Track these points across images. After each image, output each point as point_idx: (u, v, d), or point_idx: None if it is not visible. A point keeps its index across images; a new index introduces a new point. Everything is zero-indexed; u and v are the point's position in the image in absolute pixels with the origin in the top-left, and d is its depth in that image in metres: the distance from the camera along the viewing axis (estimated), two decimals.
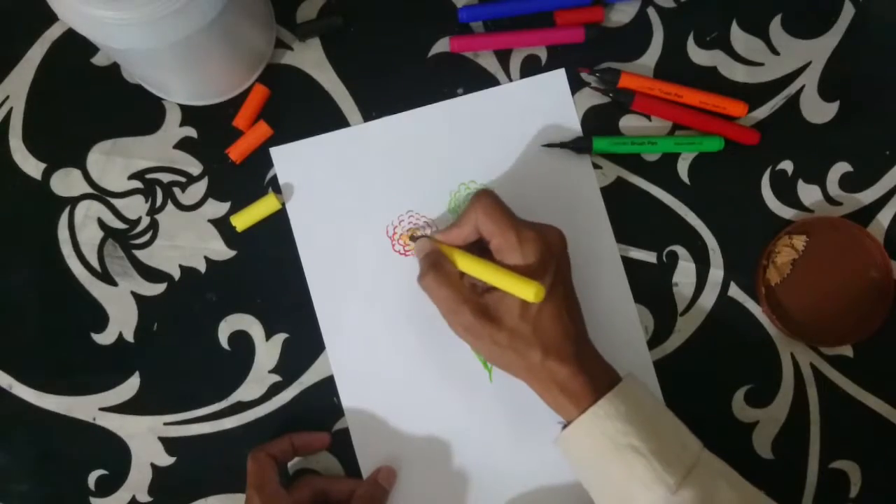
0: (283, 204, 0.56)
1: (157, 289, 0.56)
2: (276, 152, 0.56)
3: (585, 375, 0.47)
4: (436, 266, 0.49)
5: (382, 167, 0.56)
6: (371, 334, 0.55)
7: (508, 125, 0.57)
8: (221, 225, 0.56)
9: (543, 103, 0.57)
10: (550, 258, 0.48)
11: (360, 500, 0.51)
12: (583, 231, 0.55)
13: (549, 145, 0.56)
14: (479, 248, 0.51)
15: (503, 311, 0.48)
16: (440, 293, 0.49)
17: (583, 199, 0.57)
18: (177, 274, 0.56)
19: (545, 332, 0.48)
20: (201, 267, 0.56)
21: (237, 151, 0.55)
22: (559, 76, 0.57)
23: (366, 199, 0.56)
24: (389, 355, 0.55)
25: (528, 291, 0.46)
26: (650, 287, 0.57)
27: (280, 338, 0.56)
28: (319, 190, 0.56)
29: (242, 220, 0.55)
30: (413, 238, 0.55)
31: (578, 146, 0.56)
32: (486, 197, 0.49)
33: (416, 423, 0.55)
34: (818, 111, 0.58)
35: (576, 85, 0.58)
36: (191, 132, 0.56)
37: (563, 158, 0.57)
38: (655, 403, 0.49)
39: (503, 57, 0.58)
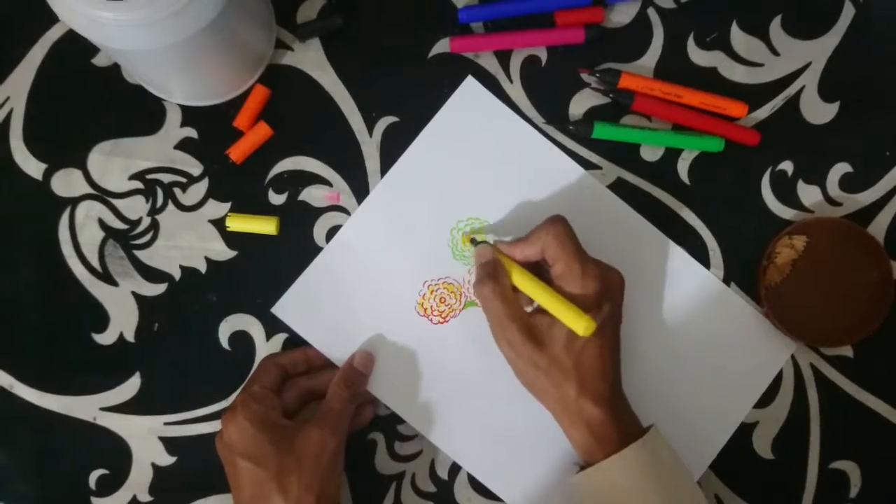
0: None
1: (158, 289, 0.56)
2: (279, 309, 0.55)
3: (615, 421, 0.48)
4: (493, 277, 0.50)
5: (377, 260, 0.56)
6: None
7: (468, 154, 0.56)
8: (222, 225, 0.56)
9: (478, 117, 0.57)
10: (607, 298, 0.49)
11: (336, 384, 0.52)
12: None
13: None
14: (533, 271, 0.51)
15: (549, 336, 0.48)
16: (493, 305, 0.49)
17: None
18: (177, 274, 0.56)
19: (585, 369, 0.48)
20: (202, 267, 0.56)
21: (238, 152, 0.56)
22: (469, 84, 0.57)
23: (377, 295, 0.56)
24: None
25: (579, 324, 0.47)
26: None
27: (280, 338, 0.56)
28: (332, 318, 0.55)
29: (237, 223, 0.55)
30: (474, 242, 0.54)
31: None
32: (558, 222, 0.50)
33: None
34: (818, 111, 0.58)
35: (576, 85, 0.58)
36: (191, 133, 0.56)
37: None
38: (676, 459, 0.49)
39: (503, 57, 0.58)
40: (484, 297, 0.50)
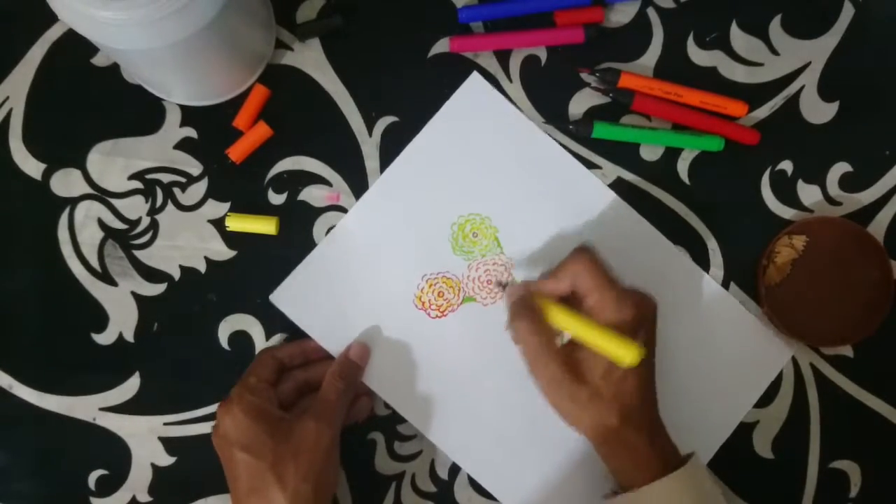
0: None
1: (158, 289, 0.56)
2: (277, 297, 0.55)
3: (657, 448, 0.48)
4: (528, 314, 0.48)
5: (377, 251, 0.56)
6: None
7: (470, 149, 0.56)
8: (221, 225, 0.56)
9: (481, 112, 0.57)
10: (643, 324, 0.48)
11: (331, 375, 0.52)
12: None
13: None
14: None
15: (587, 368, 0.48)
16: (530, 341, 0.48)
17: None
18: (177, 274, 0.56)
19: (626, 398, 0.47)
20: (201, 267, 0.56)
21: (237, 152, 0.56)
22: (475, 79, 0.57)
23: (376, 287, 0.56)
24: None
25: (626, 353, 0.46)
26: None
27: (280, 338, 0.56)
28: (329, 308, 0.55)
29: (236, 223, 0.55)
30: (502, 286, 0.54)
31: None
32: (587, 253, 0.49)
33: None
34: (818, 111, 0.58)
35: (576, 85, 0.58)
36: (191, 132, 0.56)
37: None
38: (715, 489, 0.49)
39: (503, 57, 0.58)
40: (520, 334, 0.49)
